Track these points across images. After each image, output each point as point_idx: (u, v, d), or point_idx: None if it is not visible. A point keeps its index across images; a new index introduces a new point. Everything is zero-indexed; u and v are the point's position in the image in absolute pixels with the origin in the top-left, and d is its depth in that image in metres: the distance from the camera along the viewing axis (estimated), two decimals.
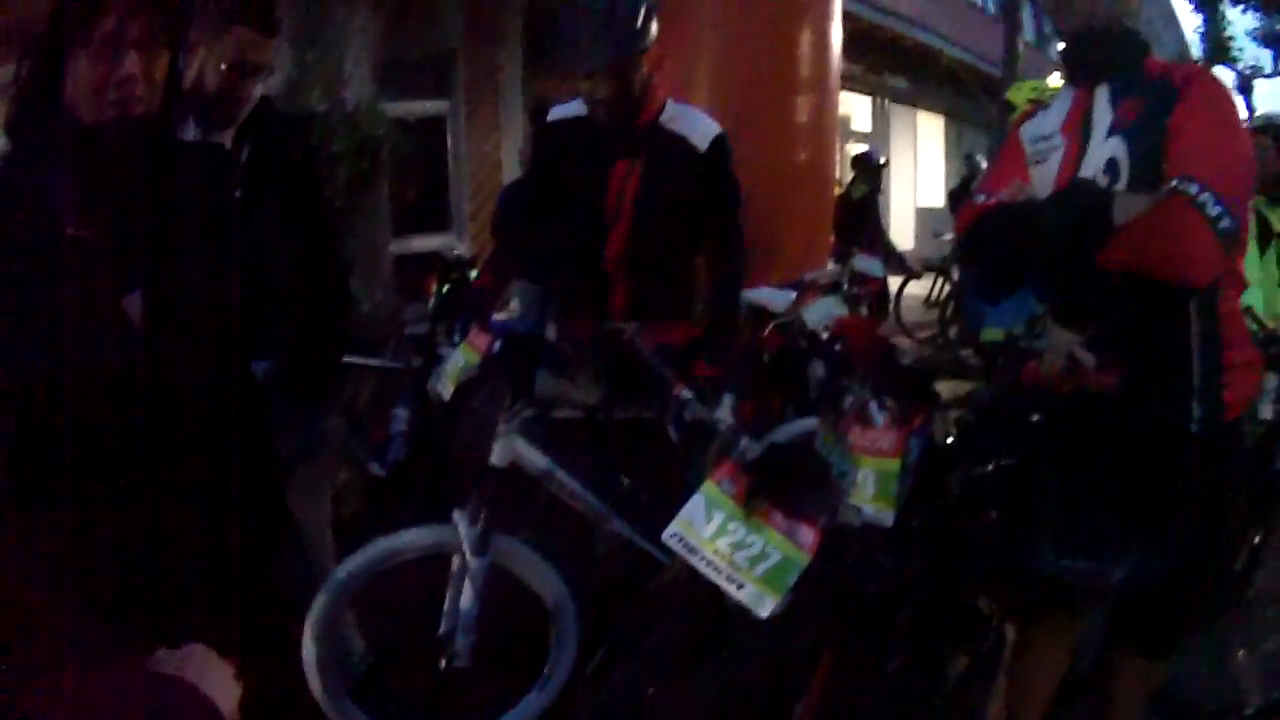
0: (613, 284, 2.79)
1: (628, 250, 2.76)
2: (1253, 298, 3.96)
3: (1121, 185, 1.82)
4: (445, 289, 5.27)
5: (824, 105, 4.77)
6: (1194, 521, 1.88)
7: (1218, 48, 20.04)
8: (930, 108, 17.31)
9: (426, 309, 4.90)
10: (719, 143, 2.81)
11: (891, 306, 9.01)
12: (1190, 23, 20.52)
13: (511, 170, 8.00)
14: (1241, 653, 3.24)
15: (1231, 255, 1.76)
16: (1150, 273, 1.70)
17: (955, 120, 18.34)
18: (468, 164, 8.60)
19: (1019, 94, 4.54)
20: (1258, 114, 4.32)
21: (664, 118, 2.79)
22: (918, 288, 10.35)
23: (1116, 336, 1.78)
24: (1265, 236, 4.10)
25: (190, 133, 1.90)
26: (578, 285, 2.85)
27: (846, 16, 11.43)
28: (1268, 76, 21.24)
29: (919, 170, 17.04)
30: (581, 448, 2.58)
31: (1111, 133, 1.87)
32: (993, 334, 4.78)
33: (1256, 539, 3.47)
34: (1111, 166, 1.85)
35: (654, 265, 2.81)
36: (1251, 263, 4.07)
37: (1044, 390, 1.90)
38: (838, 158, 12.47)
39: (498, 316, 2.81)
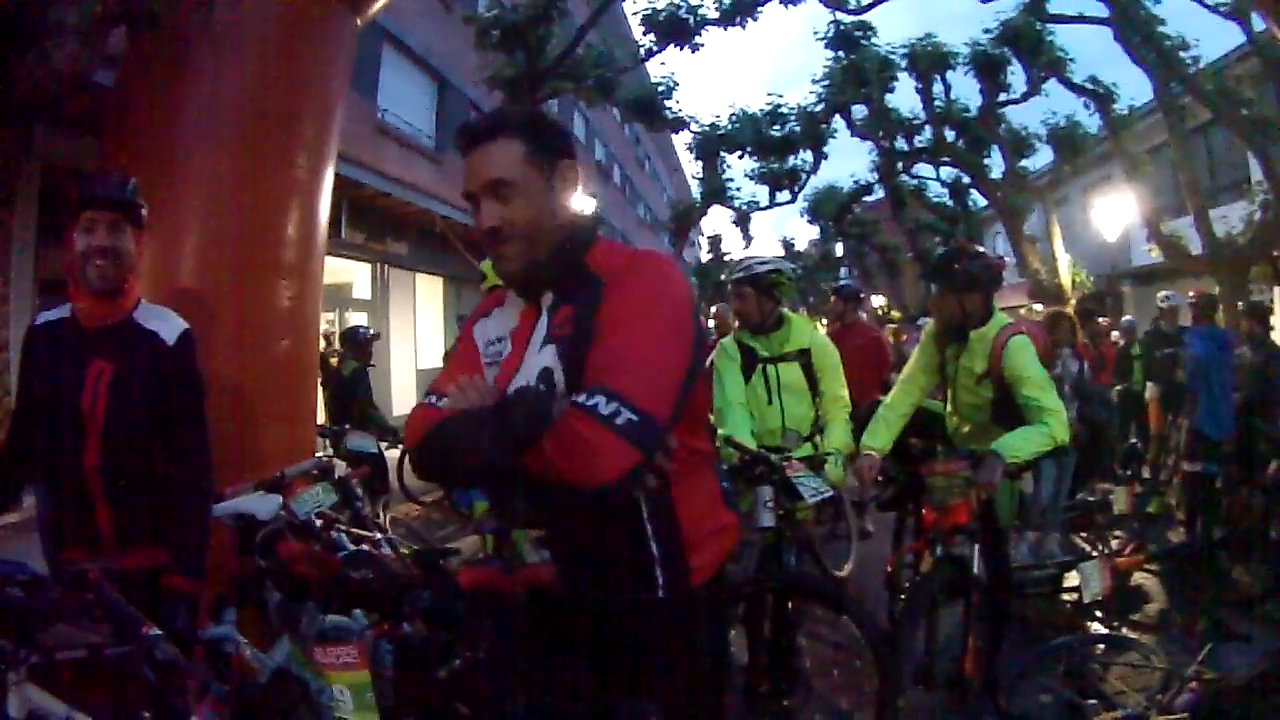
0: (93, 495, 2.72)
1: (104, 455, 2.71)
2: (738, 422, 4.49)
3: (559, 395, 1.74)
4: None
5: (307, 290, 4.72)
6: (674, 678, 1.91)
7: (715, 190, 22.69)
8: (429, 270, 17.78)
9: None
10: (186, 336, 2.90)
11: (396, 478, 8.96)
12: (693, 169, 23.26)
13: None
14: None
15: (650, 446, 1.63)
16: (564, 482, 1.61)
17: (453, 281, 18.86)
18: None
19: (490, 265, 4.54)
20: (741, 261, 4.82)
21: (137, 314, 2.86)
22: None
23: (568, 533, 1.86)
24: (750, 364, 4.66)
25: None
26: (63, 499, 2.81)
27: (349, 186, 11.70)
28: (764, 209, 24.34)
29: (419, 333, 17.36)
30: (97, 688, 2.30)
31: (548, 341, 1.82)
32: (482, 505, 4.90)
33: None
34: (546, 376, 1.78)
35: (131, 476, 2.76)
36: (736, 387, 4.62)
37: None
38: (337, 329, 12.48)
39: None
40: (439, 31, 16.20)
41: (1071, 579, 4.71)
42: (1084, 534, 6.13)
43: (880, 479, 4.69)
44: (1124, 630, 4.71)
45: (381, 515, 6.14)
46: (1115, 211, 15.50)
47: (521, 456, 1.59)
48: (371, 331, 8.46)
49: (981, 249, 4.43)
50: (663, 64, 32.31)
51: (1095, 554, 5.41)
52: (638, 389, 1.61)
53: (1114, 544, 5.96)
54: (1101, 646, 4.11)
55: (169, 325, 2.89)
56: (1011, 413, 3.95)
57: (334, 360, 8.17)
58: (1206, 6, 12.39)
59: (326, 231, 5.02)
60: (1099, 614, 4.66)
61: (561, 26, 11.89)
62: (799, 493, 3.78)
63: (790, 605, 3.85)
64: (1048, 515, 5.92)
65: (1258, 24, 11.65)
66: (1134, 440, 9.39)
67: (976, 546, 3.83)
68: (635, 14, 13.09)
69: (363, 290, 15.54)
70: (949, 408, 4.50)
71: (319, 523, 4.19)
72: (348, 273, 15.01)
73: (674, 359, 1.72)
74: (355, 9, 5.00)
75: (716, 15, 12.83)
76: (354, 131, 12.18)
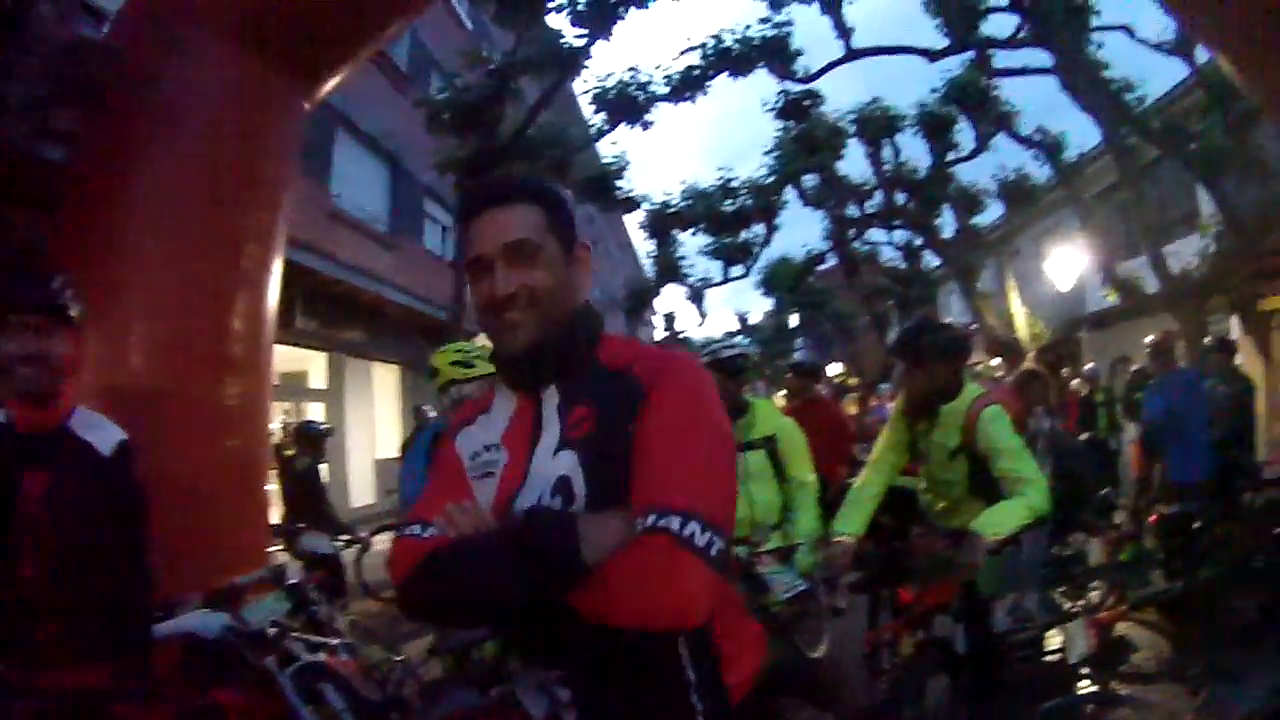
0: (31, 607, 2.55)
1: (40, 566, 2.56)
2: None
3: (578, 509, 1.53)
4: None
5: (255, 385, 4.54)
6: None
7: (669, 268, 22.70)
8: (385, 358, 17.51)
9: None
10: (123, 447, 2.75)
11: (354, 576, 8.64)
12: (646, 247, 23.30)
13: None
14: None
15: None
16: (642, 624, 1.41)
17: (410, 369, 18.33)
18: None
19: (444, 358, 4.19)
20: (706, 346, 4.73)
21: (73, 423, 2.71)
22: (381, 543, 10.05)
23: (597, 669, 1.57)
24: None
25: None
26: (3, 609, 2.60)
27: (303, 273, 11.51)
28: (718, 285, 24.38)
29: (376, 423, 17.05)
30: None
31: (562, 446, 1.60)
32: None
33: None
34: (563, 487, 1.56)
35: (70, 588, 2.60)
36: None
37: None
38: (294, 420, 12.21)
39: None
40: (392, 114, 16.19)
41: (1055, 639, 4.55)
42: (1062, 589, 6.01)
43: (855, 564, 4.55)
44: (1114, 685, 4.55)
45: (339, 618, 5.87)
46: (1068, 260, 15.58)
47: (552, 591, 1.42)
48: (325, 426, 8.26)
49: (947, 321, 4.34)
50: (614, 143, 32.69)
51: (1076, 609, 5.28)
52: (721, 512, 1.47)
53: (1094, 596, 5.83)
54: (1092, 706, 3.97)
55: (105, 435, 2.76)
56: (988, 485, 3.82)
57: (289, 453, 7.93)
58: (1150, 45, 12.63)
59: (275, 323, 4.84)
60: (1087, 671, 4.50)
61: (514, 107, 11.89)
62: (768, 587, 3.66)
63: (768, 705, 3.66)
64: (1025, 576, 5.80)
65: (1201, 56, 11.86)
66: (1105, 489, 9.31)
67: (959, 627, 3.70)
68: (586, 93, 13.16)
69: (318, 379, 15.28)
70: (923, 484, 4.35)
71: (273, 631, 3.98)
72: (303, 361, 14.78)
73: (733, 473, 1.61)
74: (304, 92, 4.90)
75: (666, 91, 12.93)
76: (307, 217, 12.05)
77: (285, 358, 13.28)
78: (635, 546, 1.40)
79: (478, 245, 1.64)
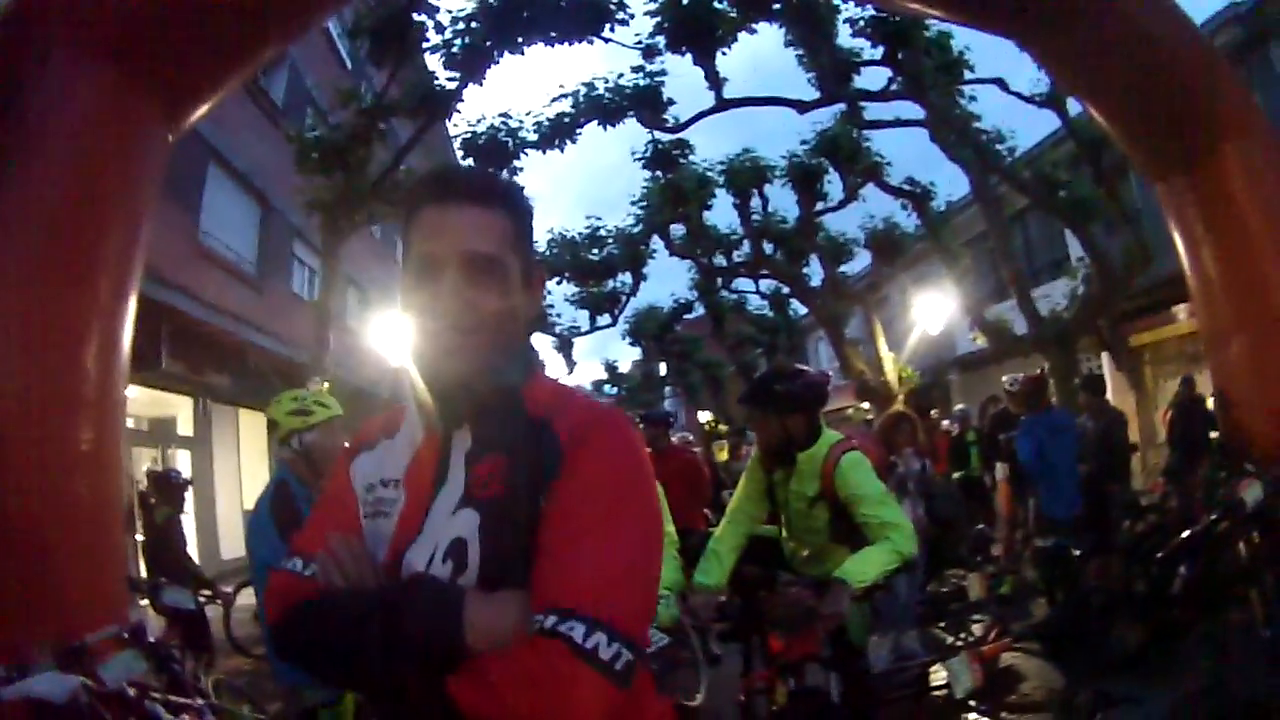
0: None
1: None
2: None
3: (469, 579, 1.33)
4: None
5: (108, 427, 4.26)
6: None
7: (536, 317, 22.56)
8: (251, 405, 16.80)
9: None
10: None
11: (223, 632, 8.20)
12: None
13: None
14: None
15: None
16: None
17: None
18: None
19: (280, 409, 3.93)
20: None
21: None
22: (248, 597, 9.56)
23: None
24: None
25: None
26: None
27: (169, 313, 11.01)
28: (585, 333, 24.48)
29: (243, 472, 16.33)
30: None
31: (464, 504, 1.39)
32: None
33: None
34: (457, 551, 1.35)
35: None
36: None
37: None
38: (162, 465, 11.57)
39: None
40: (266, 150, 15.69)
41: (937, 675, 4.59)
42: (940, 625, 6.07)
43: (718, 615, 4.44)
44: (1004, 715, 4.61)
45: (203, 678, 5.54)
46: (937, 306, 16.06)
47: (428, 672, 1.22)
48: (184, 475, 7.92)
49: (803, 367, 4.29)
50: None
51: (958, 644, 5.34)
52: (636, 619, 1.28)
53: (976, 630, 5.92)
54: None
55: None
56: (851, 531, 3.78)
57: (153, 501, 7.55)
58: (1022, 98, 12.97)
59: (129, 361, 4.57)
60: (975, 704, 4.54)
61: (384, 148, 11.69)
62: None
63: None
64: (901, 614, 5.85)
65: (1073, 108, 12.20)
66: (980, 525, 9.57)
67: (832, 674, 3.68)
68: (456, 137, 13.06)
69: (186, 425, 14.65)
70: (784, 533, 4.26)
71: (132, 692, 3.71)
72: (171, 406, 14.18)
73: (656, 569, 1.42)
74: (172, 118, 4.69)
75: (536, 138, 12.88)
76: (175, 253, 11.63)
77: (153, 401, 12.72)
78: (528, 648, 1.21)
79: (431, 241, 1.42)
